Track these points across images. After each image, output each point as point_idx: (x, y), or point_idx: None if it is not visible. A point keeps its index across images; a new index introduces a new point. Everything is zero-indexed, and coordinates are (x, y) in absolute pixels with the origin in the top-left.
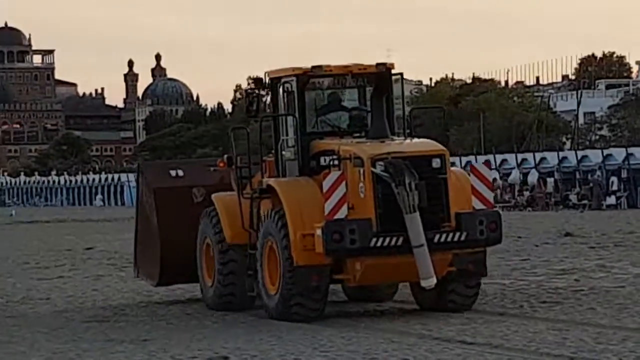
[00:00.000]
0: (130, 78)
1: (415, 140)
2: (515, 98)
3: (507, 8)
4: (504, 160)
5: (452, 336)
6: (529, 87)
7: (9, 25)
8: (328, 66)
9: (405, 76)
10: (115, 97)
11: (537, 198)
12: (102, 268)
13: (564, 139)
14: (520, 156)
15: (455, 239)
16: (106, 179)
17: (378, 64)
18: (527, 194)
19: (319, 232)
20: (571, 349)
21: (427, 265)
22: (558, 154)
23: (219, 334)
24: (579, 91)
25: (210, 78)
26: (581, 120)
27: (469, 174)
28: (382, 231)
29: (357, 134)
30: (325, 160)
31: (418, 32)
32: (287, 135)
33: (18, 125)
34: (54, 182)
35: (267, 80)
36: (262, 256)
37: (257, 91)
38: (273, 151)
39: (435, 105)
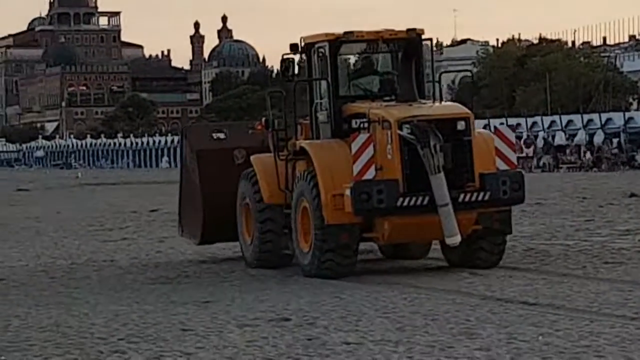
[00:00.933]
0: (197, 40)
1: (443, 103)
2: (581, 58)
3: None
4: (569, 121)
5: (514, 297)
6: (596, 47)
7: None
8: (360, 32)
9: (471, 37)
10: (182, 59)
11: (603, 158)
12: (166, 230)
13: (630, 100)
14: (586, 117)
15: (479, 198)
16: (172, 141)
17: (408, 30)
18: (588, 154)
19: (347, 192)
20: (633, 309)
21: (452, 224)
22: (624, 115)
23: (281, 296)
24: None
25: (276, 40)
26: None
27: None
28: (409, 191)
29: (388, 98)
30: (356, 122)
31: None
32: (320, 98)
33: (84, 88)
34: (120, 144)
35: (302, 45)
36: (296, 215)
37: (292, 56)
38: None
39: (465, 69)
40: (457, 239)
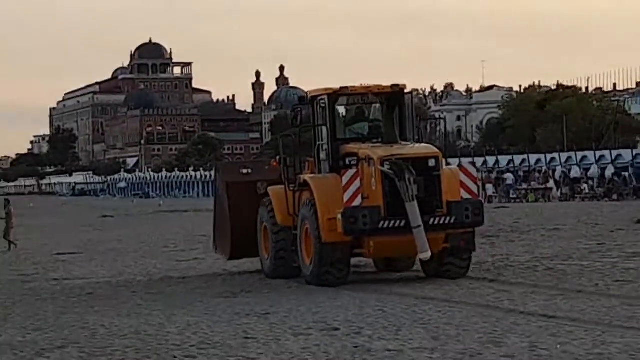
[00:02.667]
0: (258, 86)
1: (418, 144)
2: (594, 102)
3: (589, 23)
4: (584, 157)
5: (535, 310)
6: (607, 92)
7: (153, 41)
8: (353, 87)
9: (497, 83)
10: (245, 103)
11: (614, 190)
12: None
13: (637, 138)
14: (598, 153)
15: (446, 221)
16: None
17: (392, 85)
18: (585, 186)
19: (339, 216)
20: None
21: (424, 242)
22: (632, 151)
23: (331, 309)
24: None
25: (326, 86)
26: None
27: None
28: (389, 215)
29: (375, 140)
30: (349, 160)
31: (510, 44)
32: (321, 141)
33: (161, 128)
34: (191, 176)
35: (308, 98)
36: (301, 235)
37: (300, 106)
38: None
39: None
40: (428, 254)
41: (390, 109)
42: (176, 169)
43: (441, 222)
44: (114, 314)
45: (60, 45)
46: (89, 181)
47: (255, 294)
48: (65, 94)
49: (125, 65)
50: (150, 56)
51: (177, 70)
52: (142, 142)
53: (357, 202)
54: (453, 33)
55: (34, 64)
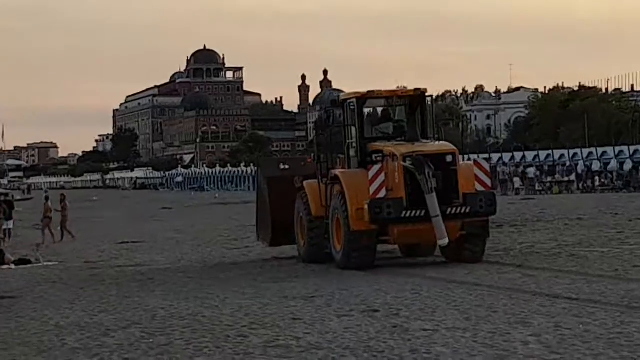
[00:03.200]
0: (303, 89)
1: (437, 142)
2: (613, 102)
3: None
4: (604, 152)
5: (560, 293)
6: (625, 93)
7: (207, 47)
8: (379, 91)
9: (524, 85)
10: (291, 104)
11: (631, 182)
12: None
13: None
14: (617, 148)
15: (462, 211)
16: None
17: (415, 89)
18: (605, 179)
19: (366, 207)
20: None
21: (442, 230)
22: None
23: (372, 292)
24: None
25: (367, 88)
26: None
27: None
28: (410, 206)
29: (399, 138)
30: (375, 157)
31: (535, 49)
32: (351, 139)
33: (214, 127)
34: (242, 171)
35: (339, 101)
36: (332, 224)
37: (332, 108)
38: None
39: (448, 118)
40: (446, 241)
41: (413, 111)
42: (228, 165)
43: (458, 211)
44: (173, 298)
45: (123, 53)
46: (149, 176)
47: (302, 278)
48: (127, 97)
49: (182, 70)
50: (205, 61)
51: (229, 75)
52: (198, 140)
53: (382, 194)
54: (483, 38)
55: (98, 70)
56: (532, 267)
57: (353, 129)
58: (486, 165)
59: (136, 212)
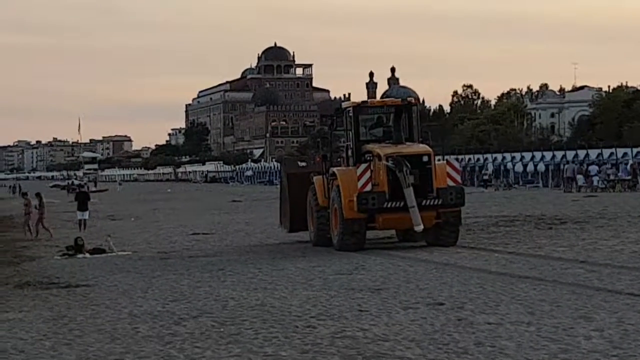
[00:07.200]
0: (371, 85)
1: (417, 144)
2: None
3: None
4: None
5: (622, 289)
6: None
7: (278, 45)
8: (372, 100)
9: (588, 84)
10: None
11: None
12: None
13: None
14: None
15: (435, 203)
16: None
17: (402, 99)
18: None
19: (355, 198)
20: None
21: (417, 218)
22: None
23: (437, 285)
24: None
25: (433, 85)
26: None
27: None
28: (391, 198)
29: (388, 141)
30: (367, 157)
31: (600, 48)
32: (349, 141)
33: (284, 122)
34: None
35: (340, 109)
36: (331, 213)
37: (334, 115)
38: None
39: (435, 123)
40: (421, 227)
41: (399, 118)
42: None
43: (431, 203)
44: (243, 288)
45: (196, 49)
46: (219, 169)
47: (368, 271)
48: (199, 92)
49: (253, 66)
50: (275, 58)
51: (299, 71)
52: (267, 135)
53: (368, 188)
54: (548, 37)
55: (171, 67)
56: (595, 262)
57: (350, 132)
58: (457, 164)
59: (207, 205)
